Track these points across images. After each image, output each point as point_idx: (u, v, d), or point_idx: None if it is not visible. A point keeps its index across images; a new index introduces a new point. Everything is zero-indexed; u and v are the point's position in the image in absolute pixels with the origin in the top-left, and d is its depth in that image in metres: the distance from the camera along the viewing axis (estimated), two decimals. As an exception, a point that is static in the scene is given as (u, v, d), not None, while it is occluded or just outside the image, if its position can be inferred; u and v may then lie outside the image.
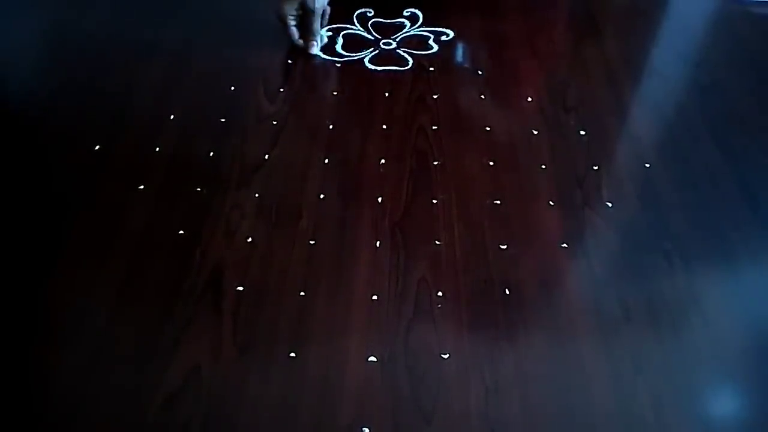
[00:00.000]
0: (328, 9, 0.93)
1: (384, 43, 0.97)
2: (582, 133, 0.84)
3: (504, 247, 0.70)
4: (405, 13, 1.02)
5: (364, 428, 0.55)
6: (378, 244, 0.70)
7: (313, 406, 0.57)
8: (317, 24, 0.92)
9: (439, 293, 0.65)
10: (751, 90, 0.92)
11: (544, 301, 0.66)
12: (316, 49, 0.94)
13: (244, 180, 0.76)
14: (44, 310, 0.63)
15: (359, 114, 0.86)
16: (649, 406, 0.57)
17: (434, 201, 0.75)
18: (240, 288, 0.65)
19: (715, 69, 0.96)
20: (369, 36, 0.98)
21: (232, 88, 0.88)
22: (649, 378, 0.59)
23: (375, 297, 0.65)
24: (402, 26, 1.00)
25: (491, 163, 0.79)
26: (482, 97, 0.89)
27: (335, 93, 0.90)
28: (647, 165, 0.80)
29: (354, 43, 0.96)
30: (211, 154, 0.79)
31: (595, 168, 0.79)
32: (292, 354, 0.60)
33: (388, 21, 1.00)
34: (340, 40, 0.97)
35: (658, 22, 1.07)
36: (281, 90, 0.89)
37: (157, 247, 0.69)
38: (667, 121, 0.88)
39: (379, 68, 0.93)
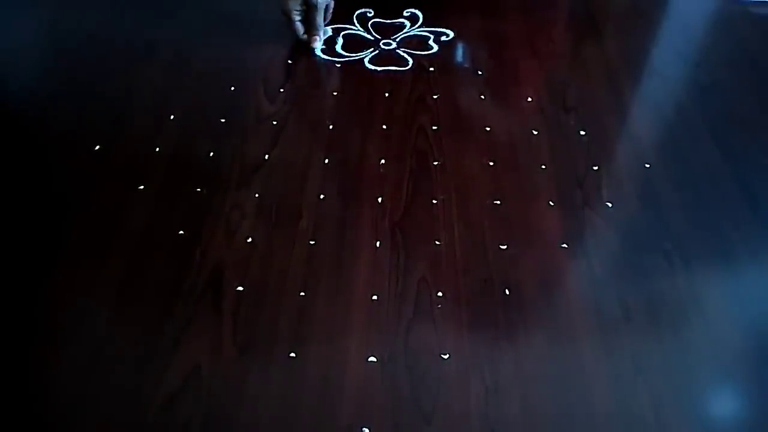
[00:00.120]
0: (332, 3, 0.93)
1: (384, 44, 0.97)
2: (582, 133, 0.84)
3: (504, 247, 0.70)
4: (405, 14, 1.02)
5: (364, 428, 0.55)
6: (378, 244, 0.70)
7: (313, 406, 0.57)
8: (320, 18, 0.92)
9: (439, 293, 0.65)
10: (751, 90, 0.92)
11: (544, 301, 0.66)
12: (319, 44, 0.94)
13: (244, 180, 0.76)
14: (44, 310, 0.63)
15: (359, 114, 0.86)
16: (649, 406, 0.57)
17: (434, 201, 0.75)
18: (240, 288, 0.65)
19: (715, 69, 0.96)
20: (369, 36, 0.98)
21: (232, 88, 0.88)
22: (649, 378, 0.59)
23: (375, 297, 0.65)
24: (402, 26, 1.00)
25: (491, 163, 0.79)
26: (482, 97, 0.89)
27: (335, 93, 0.90)
28: (647, 165, 0.80)
29: (354, 43, 0.96)
30: (211, 154, 0.79)
31: (595, 168, 0.79)
32: (292, 354, 0.60)
33: (388, 21, 1.00)
34: (340, 41, 0.97)
35: (658, 22, 1.07)
36: (281, 90, 0.89)
37: (157, 247, 0.69)
38: (667, 121, 0.88)
39: (379, 68, 0.93)
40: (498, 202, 0.75)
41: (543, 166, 0.79)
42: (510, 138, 0.83)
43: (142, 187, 0.75)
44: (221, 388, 0.58)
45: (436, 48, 0.96)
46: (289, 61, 0.94)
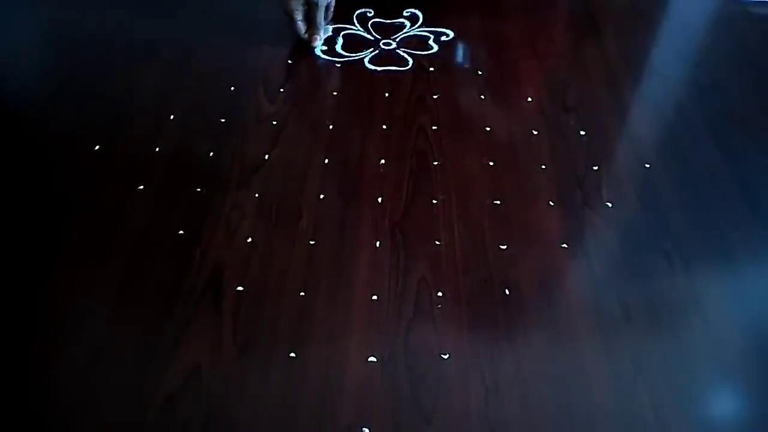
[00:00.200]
0: (333, 2, 0.93)
1: (384, 44, 0.97)
2: (582, 133, 0.84)
3: (504, 247, 0.70)
4: (405, 14, 1.02)
5: (364, 428, 0.55)
6: (378, 244, 0.70)
7: (313, 406, 0.57)
8: (321, 17, 0.93)
9: (439, 293, 0.65)
10: (751, 90, 0.92)
11: (544, 301, 0.66)
12: (319, 42, 0.94)
13: (244, 180, 0.76)
14: (44, 310, 0.63)
15: (359, 114, 0.86)
16: (649, 406, 0.58)
17: (434, 201, 0.75)
18: (240, 288, 0.65)
19: (715, 69, 0.96)
20: (369, 36, 0.98)
21: (232, 88, 0.88)
22: (649, 378, 0.59)
23: (375, 297, 0.65)
24: (402, 26, 1.00)
25: (491, 163, 0.79)
26: (482, 97, 0.89)
27: (335, 93, 0.90)
28: (647, 165, 0.80)
29: (354, 43, 0.96)
30: (211, 154, 0.79)
31: (595, 168, 0.79)
32: (292, 354, 0.60)
33: (388, 21, 1.00)
34: (340, 40, 0.97)
35: (658, 22, 1.07)
36: (281, 90, 0.89)
37: (157, 247, 0.69)
38: (667, 121, 0.88)
39: (379, 68, 0.93)
40: (498, 202, 0.75)
41: (543, 166, 0.79)
42: (510, 138, 0.83)
43: (142, 187, 0.75)
44: (221, 388, 0.58)
45: (436, 48, 0.96)
46: (289, 61, 0.94)
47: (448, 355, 0.61)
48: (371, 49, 0.96)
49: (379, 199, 0.75)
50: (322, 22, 0.94)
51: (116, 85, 0.88)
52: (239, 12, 1.01)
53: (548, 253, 0.70)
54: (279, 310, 0.64)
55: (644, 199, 0.76)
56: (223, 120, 0.83)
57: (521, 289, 0.66)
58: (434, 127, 0.84)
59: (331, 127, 0.84)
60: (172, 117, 0.84)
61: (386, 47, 0.96)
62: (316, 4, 0.90)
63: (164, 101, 0.86)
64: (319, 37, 0.94)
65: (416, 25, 1.00)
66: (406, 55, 0.95)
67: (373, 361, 0.60)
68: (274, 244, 0.70)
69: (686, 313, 0.65)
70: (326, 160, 0.79)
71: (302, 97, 0.89)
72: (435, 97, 0.88)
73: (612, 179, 0.78)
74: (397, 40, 0.98)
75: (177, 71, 0.90)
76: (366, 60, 0.94)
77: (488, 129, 0.84)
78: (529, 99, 0.89)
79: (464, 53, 0.97)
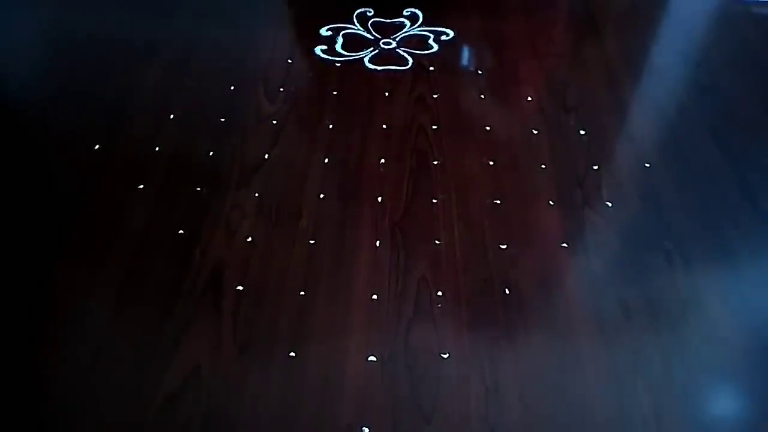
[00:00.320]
0: None
1: (384, 43, 0.97)
2: (582, 132, 0.84)
3: (504, 246, 0.70)
4: (405, 13, 1.02)
5: (363, 428, 0.55)
6: (378, 243, 0.70)
7: (313, 406, 0.57)
8: None
9: (439, 293, 0.65)
10: (752, 90, 0.92)
11: (544, 300, 0.66)
12: None
13: (244, 180, 0.76)
14: (44, 310, 0.63)
15: (359, 114, 0.86)
16: (648, 405, 0.57)
17: (434, 201, 0.75)
18: (240, 287, 0.65)
19: (715, 69, 0.96)
20: (369, 36, 0.98)
21: (232, 88, 0.88)
22: (648, 377, 0.59)
23: (375, 296, 0.65)
24: (402, 26, 1.00)
25: (491, 163, 0.79)
26: (482, 96, 0.89)
27: (335, 93, 0.90)
28: (647, 165, 0.80)
29: (354, 42, 0.96)
30: (211, 153, 0.79)
31: (595, 168, 0.79)
32: (292, 353, 0.60)
33: (388, 20, 1.00)
34: (340, 40, 0.97)
35: (659, 22, 1.07)
36: (281, 90, 0.89)
37: (157, 247, 0.69)
38: (668, 121, 0.87)
39: (379, 68, 0.93)
40: (498, 201, 0.75)
41: (543, 166, 0.79)
42: (510, 138, 0.83)
43: (142, 186, 0.75)
44: (221, 388, 0.58)
45: (436, 47, 0.96)
46: (289, 61, 0.94)
47: (448, 355, 0.61)
48: (371, 49, 0.96)
49: (379, 199, 0.75)
50: None
51: (116, 85, 0.88)
52: (239, 12, 1.01)
53: (548, 252, 0.70)
54: (279, 310, 0.64)
55: (644, 198, 0.76)
56: (223, 120, 0.83)
57: (521, 289, 0.66)
58: (434, 127, 0.84)
59: (331, 126, 0.84)
60: (172, 117, 0.84)
61: (386, 47, 0.96)
62: None
63: (164, 101, 0.86)
64: None
65: (416, 25, 1.00)
66: (406, 55, 0.95)
67: (373, 361, 0.60)
68: (274, 243, 0.70)
69: (686, 312, 0.65)
70: (326, 160, 0.79)
71: (302, 97, 0.89)
72: (435, 96, 0.88)
73: (612, 179, 0.78)
74: (397, 39, 0.97)
75: (177, 71, 0.90)
76: (366, 59, 0.94)
77: (488, 129, 0.84)
78: (529, 99, 0.89)
79: (464, 53, 0.97)
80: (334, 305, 0.64)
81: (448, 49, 0.97)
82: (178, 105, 0.85)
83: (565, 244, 0.71)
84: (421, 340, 0.62)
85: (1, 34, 0.97)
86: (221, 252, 0.68)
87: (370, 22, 1.00)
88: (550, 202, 0.75)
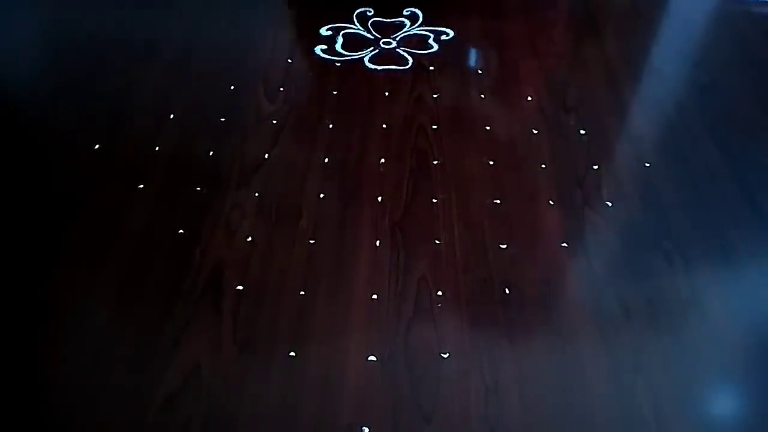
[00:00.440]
0: None
1: (384, 43, 0.97)
2: (582, 132, 0.84)
3: (504, 246, 0.70)
4: (405, 13, 1.02)
5: (363, 427, 0.55)
6: (378, 243, 0.70)
7: (313, 406, 0.57)
8: None
9: (439, 292, 0.65)
10: (751, 90, 0.92)
11: (544, 300, 0.66)
12: None
13: (244, 179, 0.76)
14: (44, 310, 0.63)
15: (359, 113, 0.86)
16: (648, 405, 0.57)
17: (434, 200, 0.75)
18: (240, 287, 0.65)
19: (715, 68, 0.96)
20: (369, 35, 0.98)
21: (232, 88, 0.88)
22: (649, 377, 0.59)
23: (375, 296, 0.65)
24: (402, 25, 1.00)
25: (491, 163, 0.79)
26: (482, 96, 0.89)
27: (335, 92, 0.90)
28: (647, 165, 0.80)
29: (354, 42, 0.96)
30: (211, 153, 0.79)
31: (595, 168, 0.79)
32: (292, 353, 0.60)
33: (388, 20, 1.00)
34: (340, 40, 0.97)
35: (658, 22, 1.07)
36: (281, 90, 0.89)
37: (157, 247, 0.69)
38: (667, 120, 0.87)
39: (379, 67, 0.93)
40: (498, 201, 0.75)
41: (543, 166, 0.79)
42: (510, 137, 0.83)
43: (142, 186, 0.75)
44: (221, 388, 0.58)
45: (436, 47, 0.96)
46: (289, 61, 0.94)
47: (448, 355, 0.61)
48: (371, 48, 0.96)
49: (379, 199, 0.75)
50: None
51: (116, 85, 0.88)
52: (239, 12, 1.01)
53: (548, 252, 0.70)
54: (279, 310, 0.64)
55: (644, 198, 0.76)
56: (223, 119, 0.83)
57: (521, 289, 0.66)
58: (434, 127, 0.84)
59: (331, 126, 0.84)
60: (172, 116, 0.84)
61: (386, 46, 0.96)
62: None
63: (164, 101, 0.86)
64: None
65: (416, 24, 1.00)
66: (406, 54, 0.95)
67: (373, 361, 0.60)
68: (274, 243, 0.70)
69: (686, 312, 0.65)
70: (326, 160, 0.79)
71: (302, 97, 0.89)
72: (435, 96, 0.88)
73: (612, 179, 0.78)
74: (397, 39, 0.97)
75: (177, 71, 0.90)
76: (366, 59, 0.94)
77: (488, 128, 0.84)
78: (529, 98, 0.89)
79: (464, 52, 0.97)
80: (334, 305, 0.64)
81: (448, 48, 0.97)
82: (178, 105, 0.85)
83: (565, 244, 0.71)
84: (421, 339, 0.62)
85: (1, 34, 0.97)
86: (221, 252, 0.68)
87: (370, 21, 1.00)
88: (550, 202, 0.75)
